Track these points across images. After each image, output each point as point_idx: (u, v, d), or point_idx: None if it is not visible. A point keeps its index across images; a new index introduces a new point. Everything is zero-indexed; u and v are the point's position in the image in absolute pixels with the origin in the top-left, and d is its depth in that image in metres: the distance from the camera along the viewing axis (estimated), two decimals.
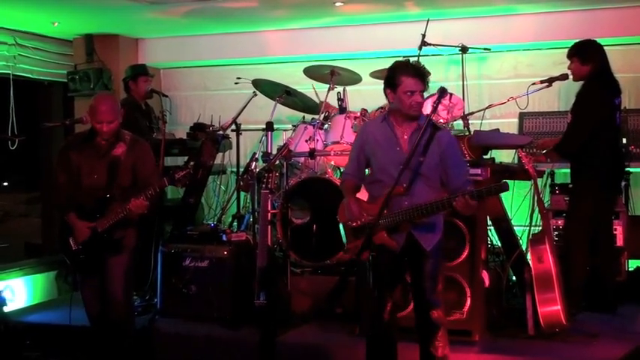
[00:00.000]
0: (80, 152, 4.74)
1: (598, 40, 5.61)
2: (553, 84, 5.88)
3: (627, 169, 6.09)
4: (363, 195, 4.26)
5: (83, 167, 4.70)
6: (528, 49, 7.42)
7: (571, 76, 5.67)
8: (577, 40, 5.64)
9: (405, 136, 4.08)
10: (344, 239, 4.23)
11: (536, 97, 6.48)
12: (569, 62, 5.61)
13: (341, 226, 4.23)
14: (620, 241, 6.01)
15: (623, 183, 6.02)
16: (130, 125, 5.27)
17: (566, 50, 5.63)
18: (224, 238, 5.74)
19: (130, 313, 4.93)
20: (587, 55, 5.50)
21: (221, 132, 6.45)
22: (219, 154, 6.74)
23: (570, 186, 5.73)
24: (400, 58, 6.56)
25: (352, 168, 4.28)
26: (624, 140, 6.24)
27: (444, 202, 3.87)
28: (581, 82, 5.59)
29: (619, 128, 5.63)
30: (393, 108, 4.13)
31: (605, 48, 5.58)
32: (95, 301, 4.76)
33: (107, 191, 4.63)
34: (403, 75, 4.03)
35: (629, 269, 6.12)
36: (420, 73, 4.04)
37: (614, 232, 5.94)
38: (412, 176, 3.95)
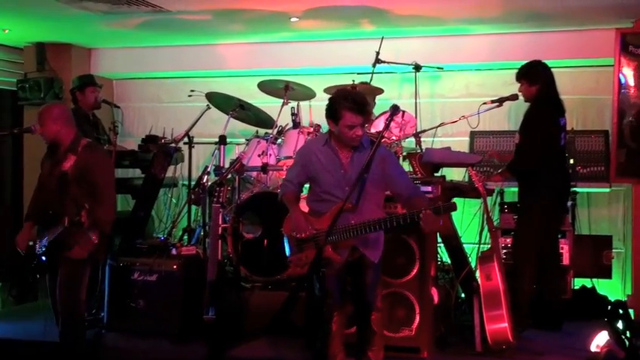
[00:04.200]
0: (46, 162, 4.76)
1: (547, 62, 5.72)
2: (503, 104, 5.99)
3: (574, 189, 6.21)
4: (303, 208, 4.34)
5: (44, 178, 4.72)
6: (480, 69, 7.53)
7: (522, 97, 5.77)
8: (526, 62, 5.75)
9: (347, 159, 4.17)
10: (287, 251, 4.27)
11: (487, 117, 6.57)
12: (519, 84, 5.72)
13: (285, 239, 4.26)
14: (566, 260, 6.11)
15: (569, 202, 6.14)
16: None
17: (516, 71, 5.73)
18: (174, 251, 5.68)
19: (75, 325, 4.78)
20: (534, 76, 5.61)
21: (173, 144, 6.40)
22: (171, 167, 6.67)
23: (518, 205, 5.80)
24: (354, 75, 6.78)
25: (294, 178, 4.34)
26: (572, 161, 6.36)
27: (408, 216, 3.94)
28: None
29: (564, 148, 5.74)
30: (336, 133, 4.19)
31: (554, 70, 5.69)
32: (53, 299, 4.75)
33: (58, 208, 4.53)
34: (344, 109, 4.08)
35: (575, 287, 6.23)
36: (360, 108, 4.07)
37: (561, 251, 6.05)
38: (358, 194, 4.01)
